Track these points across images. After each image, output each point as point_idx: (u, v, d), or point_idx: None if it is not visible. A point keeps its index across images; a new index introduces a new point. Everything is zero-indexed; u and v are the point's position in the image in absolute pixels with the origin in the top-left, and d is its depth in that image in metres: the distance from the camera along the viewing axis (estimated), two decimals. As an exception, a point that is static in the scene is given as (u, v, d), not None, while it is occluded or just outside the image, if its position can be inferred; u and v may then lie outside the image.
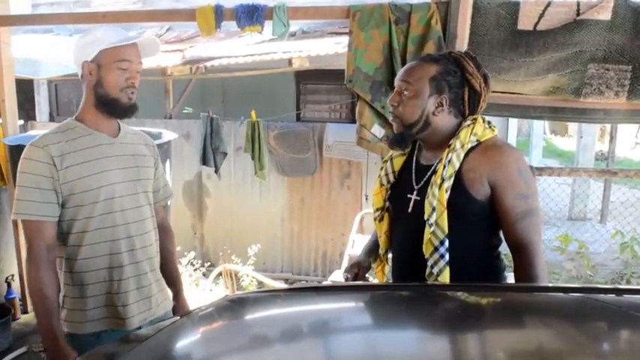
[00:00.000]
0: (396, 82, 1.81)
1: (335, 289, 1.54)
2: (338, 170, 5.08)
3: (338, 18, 3.41)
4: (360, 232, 4.42)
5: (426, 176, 1.78)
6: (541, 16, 2.93)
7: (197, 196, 5.53)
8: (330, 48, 4.95)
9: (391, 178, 1.92)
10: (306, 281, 5.24)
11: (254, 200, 5.35)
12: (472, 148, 1.71)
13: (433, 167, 1.77)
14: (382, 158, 3.31)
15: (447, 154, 1.70)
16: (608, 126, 8.82)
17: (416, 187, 1.81)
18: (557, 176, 3.88)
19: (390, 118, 1.84)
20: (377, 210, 1.94)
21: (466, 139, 1.70)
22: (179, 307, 2.23)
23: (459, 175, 1.68)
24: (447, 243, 1.67)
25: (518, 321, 1.13)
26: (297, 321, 1.20)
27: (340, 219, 5.12)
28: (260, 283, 4.82)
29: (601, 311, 1.16)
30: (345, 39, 3.41)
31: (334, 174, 5.10)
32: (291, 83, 7.18)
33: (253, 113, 4.26)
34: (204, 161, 4.46)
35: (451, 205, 1.67)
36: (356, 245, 4.27)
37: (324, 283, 4.36)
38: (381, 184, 1.93)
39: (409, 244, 1.80)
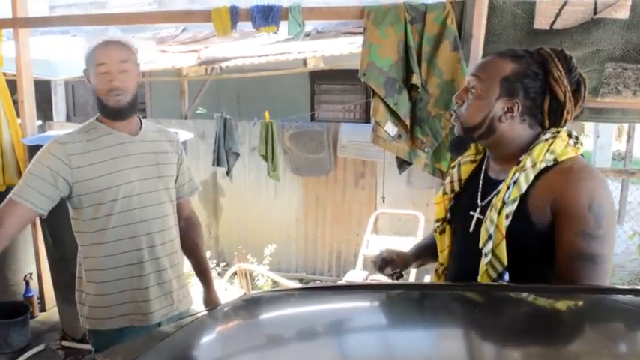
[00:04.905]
0: (467, 75, 1.58)
1: (360, 289, 1.54)
2: (352, 170, 5.08)
3: (353, 18, 3.42)
4: (374, 232, 4.42)
5: (492, 194, 1.52)
6: (557, 15, 2.91)
7: (212, 195, 5.56)
8: (345, 48, 4.96)
9: (456, 188, 1.66)
10: (321, 281, 5.25)
11: (269, 200, 5.37)
12: (546, 169, 1.42)
13: (502, 184, 1.50)
14: (396, 157, 3.31)
15: (514, 174, 1.44)
16: (625, 125, 8.72)
17: (480, 205, 1.55)
18: (573, 176, 3.84)
19: (452, 118, 1.59)
20: (437, 221, 1.71)
21: (539, 156, 1.42)
22: (209, 298, 2.27)
23: (524, 200, 1.41)
24: (506, 276, 1.42)
25: (541, 322, 1.12)
26: (317, 320, 1.21)
27: (355, 219, 5.12)
28: (275, 282, 4.83)
29: (620, 312, 1.15)
30: (360, 39, 3.41)
31: (349, 174, 5.10)
32: (306, 83, 7.21)
33: (266, 114, 4.28)
34: (218, 162, 4.47)
35: (511, 233, 1.41)
36: (371, 245, 4.26)
37: (339, 282, 4.36)
38: (444, 193, 1.69)
39: (468, 266, 1.53)
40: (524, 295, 1.29)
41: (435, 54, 3.05)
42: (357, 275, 3.96)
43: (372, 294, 1.35)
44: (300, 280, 5.22)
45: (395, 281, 1.85)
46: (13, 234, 1.85)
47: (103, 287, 1.96)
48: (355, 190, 5.10)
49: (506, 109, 1.47)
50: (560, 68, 1.45)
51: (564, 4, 2.90)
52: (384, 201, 4.46)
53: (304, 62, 5.34)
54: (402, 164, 3.29)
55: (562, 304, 1.24)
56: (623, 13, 2.84)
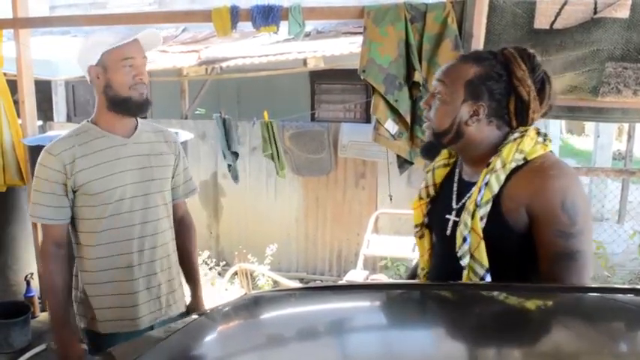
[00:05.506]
0: (433, 80, 1.59)
1: (360, 288, 1.54)
2: (353, 170, 5.08)
3: (353, 18, 3.42)
4: (375, 231, 4.42)
5: (466, 196, 1.51)
6: (558, 14, 2.91)
7: (213, 195, 5.56)
8: (345, 48, 4.95)
9: (431, 192, 1.66)
10: (321, 280, 5.25)
11: (269, 200, 5.37)
12: (517, 168, 1.42)
13: (474, 187, 1.50)
14: (397, 156, 3.31)
15: (485, 176, 1.43)
16: (625, 125, 8.72)
17: (455, 207, 1.55)
18: (574, 176, 3.85)
19: (424, 124, 1.61)
20: (416, 226, 1.70)
21: (509, 156, 1.42)
22: (194, 305, 2.22)
23: (497, 201, 1.41)
24: (488, 278, 1.41)
25: (536, 321, 1.12)
26: (318, 320, 1.21)
27: (355, 219, 5.12)
28: (275, 282, 4.83)
29: (621, 311, 1.15)
30: (360, 39, 3.42)
31: (349, 174, 5.10)
32: (306, 83, 7.21)
33: (265, 114, 4.28)
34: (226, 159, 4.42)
35: (486, 235, 1.40)
36: (371, 245, 4.26)
37: (340, 282, 4.36)
38: (420, 198, 1.68)
39: (447, 271, 1.54)
40: (522, 294, 1.29)
41: (435, 53, 3.06)
42: (357, 275, 3.96)
43: (372, 294, 1.35)
44: (301, 280, 5.21)
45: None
46: (51, 251, 1.94)
47: (95, 289, 1.95)
48: (355, 190, 5.11)
49: (472, 112, 1.48)
50: (524, 68, 1.46)
51: (564, 4, 2.89)
52: (391, 199, 4.45)
53: (304, 62, 5.34)
54: (403, 164, 3.29)
55: (561, 304, 1.24)
56: (623, 13, 2.84)
